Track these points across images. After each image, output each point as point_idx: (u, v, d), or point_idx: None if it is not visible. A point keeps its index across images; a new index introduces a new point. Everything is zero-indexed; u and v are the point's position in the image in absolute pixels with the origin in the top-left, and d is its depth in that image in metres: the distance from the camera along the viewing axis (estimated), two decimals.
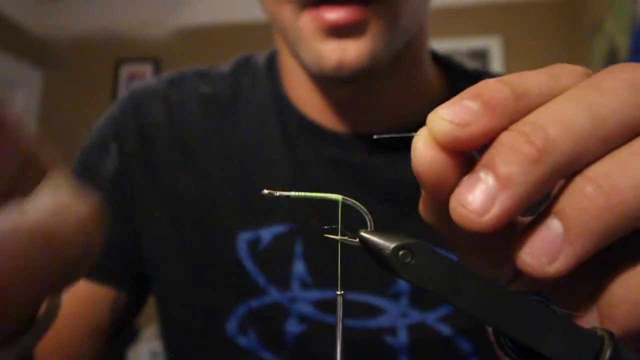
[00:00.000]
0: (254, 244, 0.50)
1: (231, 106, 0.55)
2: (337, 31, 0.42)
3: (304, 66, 0.47)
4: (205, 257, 0.52)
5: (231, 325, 0.50)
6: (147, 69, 2.62)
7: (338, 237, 0.20)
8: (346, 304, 0.48)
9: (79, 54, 2.70)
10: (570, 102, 0.18)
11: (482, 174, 0.18)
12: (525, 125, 0.18)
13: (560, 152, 0.17)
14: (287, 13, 0.44)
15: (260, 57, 0.59)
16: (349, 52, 0.42)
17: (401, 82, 0.51)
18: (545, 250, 0.18)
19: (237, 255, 0.50)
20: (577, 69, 0.20)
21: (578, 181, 0.18)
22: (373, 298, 0.48)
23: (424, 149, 0.19)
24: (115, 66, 2.64)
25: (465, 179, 0.18)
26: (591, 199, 0.17)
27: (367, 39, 0.43)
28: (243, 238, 0.51)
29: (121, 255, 0.54)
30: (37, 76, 2.68)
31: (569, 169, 0.18)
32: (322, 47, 0.43)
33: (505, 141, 0.18)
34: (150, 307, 0.60)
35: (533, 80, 0.19)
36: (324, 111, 0.52)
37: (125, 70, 2.63)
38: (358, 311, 0.49)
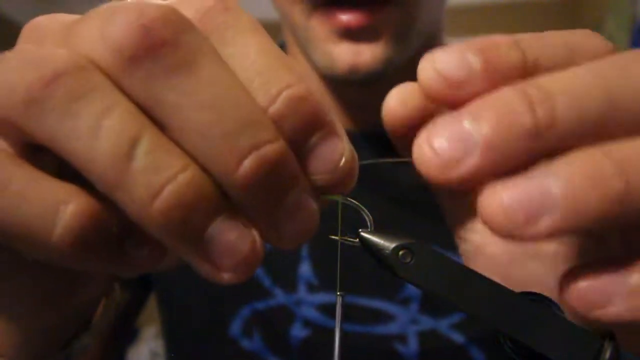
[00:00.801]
0: None
1: None
2: (351, 34, 0.41)
3: (315, 67, 0.46)
4: None
5: (235, 327, 0.49)
6: None
7: (338, 237, 0.20)
8: (353, 308, 0.47)
9: None
10: (590, 77, 0.16)
11: (466, 122, 0.16)
12: (533, 87, 0.16)
13: (562, 131, 0.15)
14: (298, 12, 0.43)
15: None
16: (363, 55, 0.41)
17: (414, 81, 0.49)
18: (529, 206, 0.15)
19: None
20: (602, 45, 0.18)
21: (596, 154, 0.15)
22: (381, 303, 0.47)
23: (393, 103, 0.20)
24: None
25: (443, 118, 0.16)
26: (609, 180, 0.15)
27: (382, 43, 0.41)
28: None
29: None
30: None
31: (562, 150, 0.16)
32: (335, 50, 0.42)
33: (507, 99, 0.16)
34: (150, 307, 0.60)
35: (550, 48, 0.17)
36: (336, 108, 0.51)
37: None
38: (365, 317, 0.47)
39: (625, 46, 1.63)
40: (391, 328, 0.47)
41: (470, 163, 0.15)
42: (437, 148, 0.16)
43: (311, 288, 0.48)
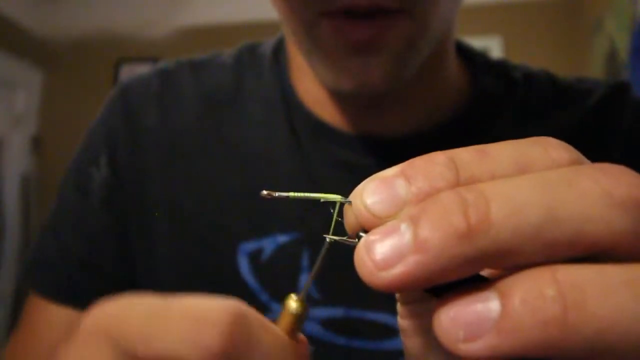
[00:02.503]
0: (255, 256, 0.46)
1: (233, 104, 0.51)
2: (360, 48, 0.38)
3: (319, 79, 0.42)
4: (204, 275, 0.47)
5: None
6: (147, 69, 2.61)
7: (337, 238, 0.20)
8: (357, 323, 0.45)
9: (79, 54, 2.70)
10: (532, 187, 0.16)
11: (403, 226, 0.16)
12: (470, 191, 0.16)
13: (493, 237, 0.15)
14: (302, 19, 0.39)
15: (267, 46, 0.54)
16: (371, 72, 0.38)
17: (424, 85, 0.47)
18: (469, 325, 0.15)
19: (237, 269, 0.46)
20: (559, 157, 0.17)
21: (543, 275, 0.15)
22: (387, 317, 0.44)
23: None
24: (115, 66, 2.64)
25: (387, 223, 0.16)
26: (548, 307, 0.14)
27: (392, 55, 0.38)
28: (244, 249, 0.46)
29: (116, 279, 0.49)
30: (37, 76, 2.68)
31: (500, 261, 0.15)
32: (341, 68, 0.39)
33: (442, 200, 0.16)
34: None
35: (492, 164, 0.17)
36: (336, 111, 0.48)
37: (126, 70, 2.63)
38: (370, 331, 0.44)
39: (625, 46, 1.63)
40: (398, 343, 0.43)
41: (400, 268, 0.15)
42: (371, 251, 0.16)
43: (313, 303, 0.44)
